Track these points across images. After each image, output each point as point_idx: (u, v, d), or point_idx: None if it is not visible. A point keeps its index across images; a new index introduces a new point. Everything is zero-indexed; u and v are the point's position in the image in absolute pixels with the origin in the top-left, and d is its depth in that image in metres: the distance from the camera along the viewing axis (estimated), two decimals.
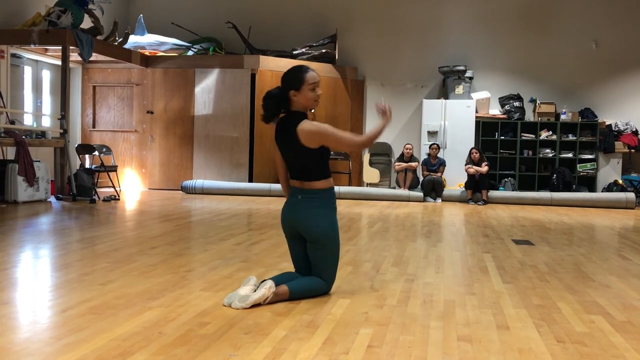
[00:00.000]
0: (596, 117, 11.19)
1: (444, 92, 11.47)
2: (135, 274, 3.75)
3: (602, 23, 11.32)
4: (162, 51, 11.31)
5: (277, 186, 10.15)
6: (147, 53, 11.11)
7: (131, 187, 11.03)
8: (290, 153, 3.26)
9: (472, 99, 11.19)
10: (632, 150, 10.93)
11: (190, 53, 11.42)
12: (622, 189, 10.41)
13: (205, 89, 10.92)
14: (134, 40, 11.09)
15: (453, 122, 11.02)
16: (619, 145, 10.95)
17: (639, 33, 11.22)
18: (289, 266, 4.13)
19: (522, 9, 11.55)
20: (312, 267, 3.32)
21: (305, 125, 3.14)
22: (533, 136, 11.22)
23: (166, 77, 11.00)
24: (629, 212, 9.03)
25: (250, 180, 10.74)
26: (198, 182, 10.38)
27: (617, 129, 11.02)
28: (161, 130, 11.05)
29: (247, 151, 10.79)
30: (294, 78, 3.16)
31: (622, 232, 6.81)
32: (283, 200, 3.44)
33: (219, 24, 11.63)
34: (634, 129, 11.01)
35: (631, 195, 9.64)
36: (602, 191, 10.71)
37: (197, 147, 10.97)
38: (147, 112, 11.04)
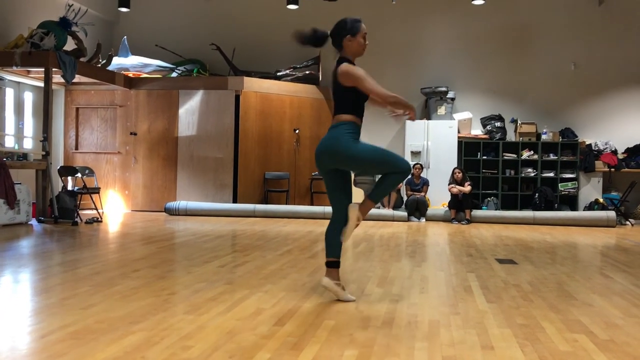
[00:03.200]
0: (576, 136, 11.35)
1: (427, 113, 11.58)
2: (117, 298, 3.70)
3: (581, 45, 11.55)
4: (145, 73, 11.31)
5: (262, 207, 10.14)
6: (130, 75, 11.11)
7: (114, 209, 10.94)
8: (333, 89, 3.74)
9: (454, 119, 11.30)
10: (612, 169, 11.08)
11: (174, 75, 11.44)
12: (603, 207, 10.53)
13: (190, 110, 10.92)
14: (117, 62, 11.09)
15: (436, 142, 11.11)
16: (599, 165, 11.09)
17: (616, 54, 11.46)
18: (273, 287, 4.11)
19: (503, 31, 11.75)
20: (379, 175, 3.71)
21: (342, 66, 3.64)
22: (515, 156, 11.34)
23: (150, 99, 10.99)
24: (610, 231, 9.13)
25: (235, 201, 10.70)
26: (182, 203, 10.32)
27: (597, 148, 11.17)
28: (145, 151, 11.01)
29: (231, 172, 10.77)
30: (352, 25, 3.63)
31: (604, 250, 6.88)
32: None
33: (203, 45, 11.68)
34: (613, 149, 11.17)
35: (612, 214, 9.75)
36: (583, 210, 10.83)
37: (180, 169, 10.92)
38: (131, 133, 10.99)
